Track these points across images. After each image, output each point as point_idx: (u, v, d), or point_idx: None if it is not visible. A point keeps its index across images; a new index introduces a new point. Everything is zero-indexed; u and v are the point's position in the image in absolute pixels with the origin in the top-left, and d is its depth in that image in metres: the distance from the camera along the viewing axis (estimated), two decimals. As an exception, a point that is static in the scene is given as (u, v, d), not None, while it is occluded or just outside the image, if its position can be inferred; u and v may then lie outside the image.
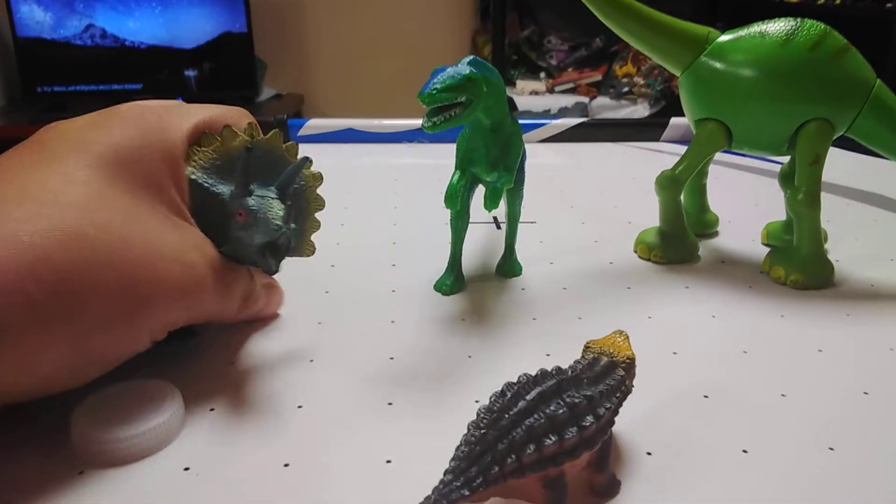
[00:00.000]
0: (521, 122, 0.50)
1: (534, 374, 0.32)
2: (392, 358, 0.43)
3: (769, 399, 0.39)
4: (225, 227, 0.39)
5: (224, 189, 0.40)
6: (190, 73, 2.10)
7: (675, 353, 0.43)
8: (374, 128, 0.88)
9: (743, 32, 0.52)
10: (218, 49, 2.08)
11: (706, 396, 0.39)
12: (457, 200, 0.48)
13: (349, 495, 0.32)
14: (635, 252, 0.58)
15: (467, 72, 0.42)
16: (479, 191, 0.50)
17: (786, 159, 0.57)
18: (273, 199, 0.37)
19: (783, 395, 0.39)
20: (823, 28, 0.50)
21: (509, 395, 0.30)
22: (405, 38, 2.39)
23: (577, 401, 0.30)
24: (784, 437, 0.36)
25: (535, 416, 0.29)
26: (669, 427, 0.37)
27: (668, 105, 2.21)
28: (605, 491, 0.33)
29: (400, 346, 0.44)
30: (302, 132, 0.87)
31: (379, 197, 0.72)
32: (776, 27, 0.51)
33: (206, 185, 0.39)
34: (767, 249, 0.58)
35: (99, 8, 2.00)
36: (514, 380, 0.31)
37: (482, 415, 0.30)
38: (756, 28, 0.51)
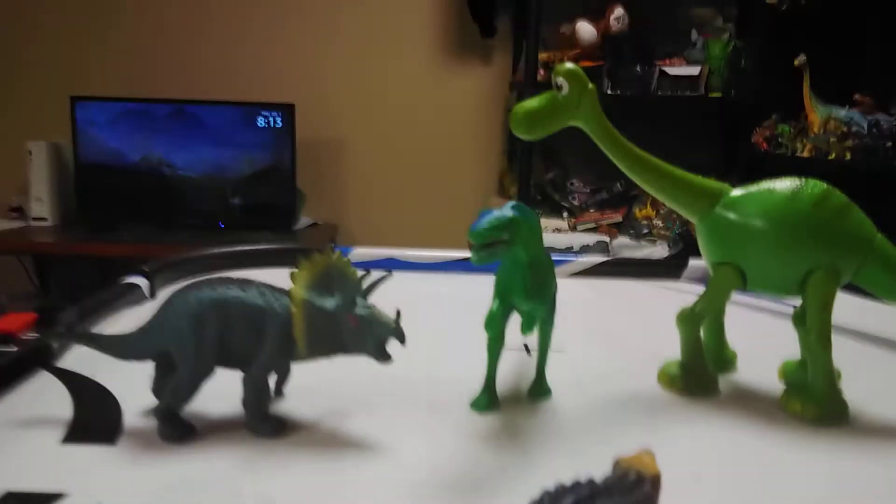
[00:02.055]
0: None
1: (568, 483, 0.35)
2: (433, 468, 0.46)
3: (788, 525, 0.41)
4: (330, 334, 0.48)
5: (327, 303, 0.48)
6: (235, 201, 2.23)
7: (696, 478, 0.46)
8: (413, 258, 0.95)
9: (753, 188, 0.58)
10: (262, 180, 2.23)
11: (728, 522, 0.42)
12: (495, 325, 0.53)
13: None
14: (659, 382, 0.61)
15: (511, 214, 0.49)
16: (514, 319, 0.55)
17: (799, 301, 0.61)
18: (375, 307, 0.48)
19: (802, 523, 0.41)
20: (826, 187, 0.57)
21: (547, 500, 0.33)
22: (435, 177, 2.54)
23: (607, 510, 0.33)
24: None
25: (571, 521, 0.32)
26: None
27: (686, 246, 2.28)
28: None
29: (439, 457, 0.48)
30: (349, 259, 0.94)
31: (418, 320, 0.77)
32: (783, 184, 0.57)
33: (313, 301, 0.48)
34: (783, 386, 0.61)
35: (159, 139, 2.18)
36: (549, 488, 0.34)
37: (522, 518, 0.33)
38: (765, 185, 0.58)
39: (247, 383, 0.49)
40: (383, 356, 0.49)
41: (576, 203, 2.63)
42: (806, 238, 0.55)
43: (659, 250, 2.39)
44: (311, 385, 0.57)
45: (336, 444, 0.49)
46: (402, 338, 0.48)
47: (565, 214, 2.61)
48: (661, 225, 2.49)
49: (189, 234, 2.12)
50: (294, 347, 0.48)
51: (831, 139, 1.71)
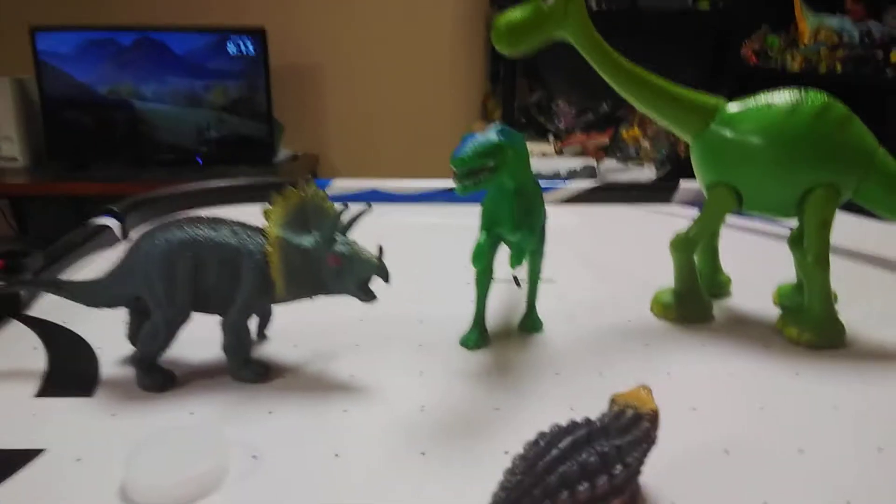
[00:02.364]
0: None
1: (564, 424, 0.33)
2: (423, 408, 0.45)
3: (787, 454, 0.40)
4: (309, 273, 0.45)
5: (304, 241, 0.45)
6: (210, 134, 2.16)
7: (694, 409, 0.45)
8: (396, 189, 0.91)
9: (750, 102, 0.55)
10: (237, 111, 2.15)
11: (726, 451, 0.41)
12: (483, 259, 0.51)
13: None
14: (652, 311, 0.60)
15: (496, 139, 0.45)
16: (502, 250, 0.52)
17: (795, 223, 0.59)
18: (356, 243, 0.46)
19: (801, 451, 0.41)
20: (826, 99, 0.54)
21: (542, 443, 0.32)
22: (417, 102, 2.47)
23: (606, 450, 0.32)
24: (803, 491, 0.37)
25: (569, 463, 0.31)
26: (692, 480, 0.38)
27: (675, 168, 2.25)
28: (633, 539, 0.34)
29: (430, 397, 0.46)
30: (327, 192, 0.90)
31: (402, 255, 0.75)
32: (782, 97, 0.54)
33: (290, 240, 0.45)
34: (779, 310, 0.60)
35: (126, 70, 2.08)
36: (545, 430, 0.33)
37: (517, 462, 0.32)
38: (763, 98, 0.55)
39: (226, 328, 0.47)
40: (367, 295, 0.46)
41: (561, 126, 2.58)
42: (805, 154, 0.53)
43: (647, 172, 2.36)
44: (294, 327, 0.55)
45: (322, 388, 0.47)
46: (385, 275, 0.46)
47: (551, 138, 2.57)
48: (648, 146, 2.45)
49: (165, 170, 2.06)
50: (272, 289, 0.46)
51: (822, 49, 1.66)
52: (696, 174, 0.58)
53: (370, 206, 0.48)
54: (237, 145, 2.19)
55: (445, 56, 2.46)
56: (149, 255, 0.45)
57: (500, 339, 0.55)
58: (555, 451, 0.31)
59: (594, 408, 0.44)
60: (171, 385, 0.47)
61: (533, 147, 2.48)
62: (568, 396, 0.47)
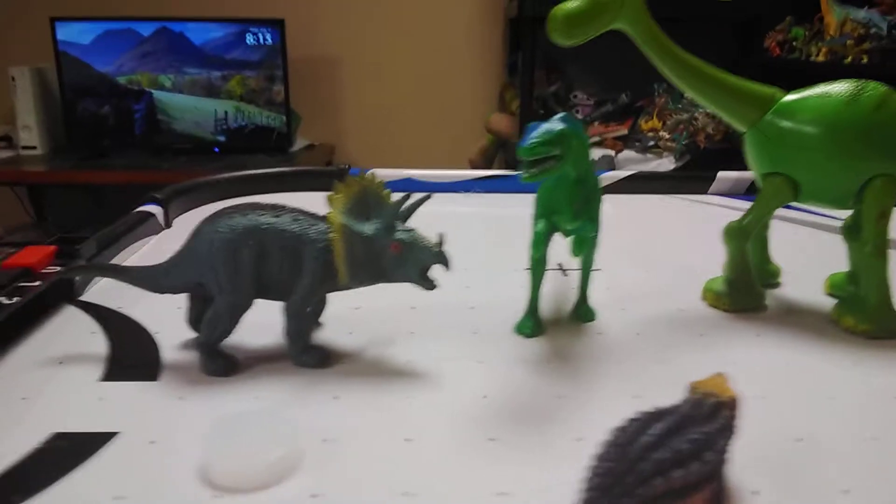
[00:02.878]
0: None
1: (649, 411, 0.33)
2: (485, 396, 0.45)
3: (860, 442, 0.40)
4: (371, 261, 0.45)
5: (366, 228, 0.45)
6: (228, 124, 2.16)
7: (762, 398, 0.45)
8: (431, 178, 0.91)
9: (808, 92, 0.55)
10: (255, 101, 2.15)
11: (799, 440, 0.41)
12: (541, 247, 0.51)
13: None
14: (703, 300, 0.60)
15: (562, 127, 0.45)
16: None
17: (843, 213, 0.59)
18: (417, 231, 0.46)
19: (874, 438, 0.40)
20: (886, 89, 0.53)
21: (632, 430, 0.32)
22: (434, 93, 2.47)
23: (697, 437, 0.32)
24: (881, 476, 0.37)
25: (662, 450, 0.31)
26: (770, 468, 0.38)
27: (693, 159, 2.24)
28: (717, 526, 0.34)
29: (491, 385, 0.46)
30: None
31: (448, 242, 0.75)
32: (840, 88, 0.53)
33: (352, 227, 0.45)
34: (830, 299, 0.59)
35: (145, 60, 2.08)
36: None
37: (609, 449, 0.32)
38: (820, 88, 0.54)
39: (288, 314, 0.47)
40: (427, 282, 0.47)
41: (580, 116, 2.57)
42: (866, 144, 0.52)
43: (665, 163, 2.35)
44: (348, 314, 0.55)
45: (383, 374, 0.48)
46: (446, 263, 0.46)
47: (569, 129, 2.54)
48: (667, 137, 2.44)
49: (183, 160, 2.06)
50: (335, 276, 0.46)
51: (848, 42, 1.64)
52: (750, 165, 0.58)
53: (430, 195, 0.48)
54: (254, 135, 2.19)
55: (462, 46, 2.46)
56: (212, 242, 0.45)
57: (554, 328, 0.55)
58: (646, 438, 0.31)
59: (659, 396, 0.44)
60: (234, 370, 0.47)
61: (550, 138, 2.46)
62: (630, 385, 0.47)
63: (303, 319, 0.48)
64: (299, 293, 0.46)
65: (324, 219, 0.46)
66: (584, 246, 0.49)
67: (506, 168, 2.07)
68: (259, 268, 0.45)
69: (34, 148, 2.09)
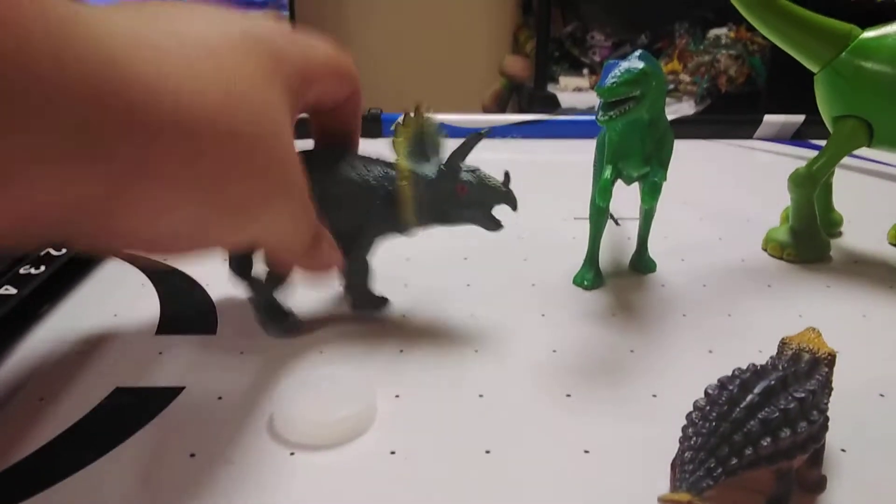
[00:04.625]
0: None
1: (746, 368, 0.32)
2: (555, 351, 0.44)
3: (950, 397, 0.39)
4: (435, 203, 0.43)
5: (429, 171, 0.43)
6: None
7: (840, 353, 0.43)
8: (464, 123, 0.88)
9: (888, 29, 0.51)
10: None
11: (882, 395, 0.39)
12: (607, 195, 0.48)
13: (554, 484, 0.32)
14: (764, 250, 0.58)
15: (643, 66, 0.42)
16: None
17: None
18: (481, 170, 0.44)
19: (964, 394, 0.39)
20: (972, 27, 0.50)
21: (733, 388, 0.30)
22: (446, 34, 2.40)
23: (802, 395, 0.30)
24: (979, 435, 0.36)
25: (768, 409, 0.30)
26: (856, 424, 0.37)
27: (714, 102, 2.19)
28: (815, 487, 0.33)
29: (558, 339, 0.45)
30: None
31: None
32: (924, 25, 0.50)
33: (417, 171, 0.42)
34: (895, 249, 0.58)
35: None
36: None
37: (710, 407, 0.30)
38: (902, 26, 0.51)
39: (351, 262, 0.45)
40: (494, 224, 0.44)
41: (597, 59, 2.51)
42: (950, 86, 0.49)
43: (685, 107, 2.30)
44: (398, 266, 0.54)
45: (446, 328, 0.46)
46: (513, 203, 0.44)
47: (585, 72, 2.49)
48: (688, 80, 2.38)
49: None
50: (400, 220, 0.44)
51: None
52: (821, 107, 0.55)
53: (487, 130, 0.45)
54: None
55: (477, -16, 2.38)
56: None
57: (614, 279, 0.53)
58: (751, 397, 0.30)
59: (735, 350, 0.43)
60: (296, 327, 0.45)
61: (567, 81, 2.41)
62: (702, 338, 0.45)
63: (366, 266, 0.46)
64: (363, 240, 0.44)
65: (383, 163, 0.44)
66: (657, 192, 0.47)
67: (519, 112, 2.02)
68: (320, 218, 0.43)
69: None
